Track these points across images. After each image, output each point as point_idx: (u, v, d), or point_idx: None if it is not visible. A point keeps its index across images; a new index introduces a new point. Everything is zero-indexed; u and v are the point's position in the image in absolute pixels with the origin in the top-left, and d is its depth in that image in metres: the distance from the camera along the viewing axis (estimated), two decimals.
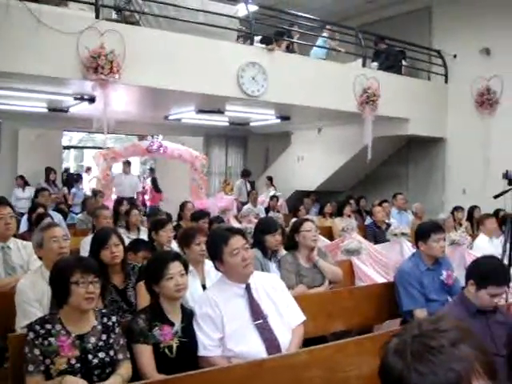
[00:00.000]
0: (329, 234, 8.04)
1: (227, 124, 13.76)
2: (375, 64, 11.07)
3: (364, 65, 10.49)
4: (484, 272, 3.19)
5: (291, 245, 4.66)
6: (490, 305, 3.11)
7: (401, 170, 12.54)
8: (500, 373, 1.47)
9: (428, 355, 1.30)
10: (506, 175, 4.52)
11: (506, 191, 4.58)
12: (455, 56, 11.61)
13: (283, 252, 4.75)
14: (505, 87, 10.83)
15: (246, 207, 10.52)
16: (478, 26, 10.98)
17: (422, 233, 4.33)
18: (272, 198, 11.17)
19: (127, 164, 11.55)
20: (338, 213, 8.85)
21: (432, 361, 1.29)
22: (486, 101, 11.08)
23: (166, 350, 2.95)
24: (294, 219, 6.79)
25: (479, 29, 10.98)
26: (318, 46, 10.86)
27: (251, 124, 13.72)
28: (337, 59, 10.86)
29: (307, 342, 3.39)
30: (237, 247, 3.09)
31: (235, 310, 3.06)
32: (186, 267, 3.21)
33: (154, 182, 13.84)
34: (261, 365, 2.80)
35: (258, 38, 9.28)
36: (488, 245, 6.44)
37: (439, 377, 1.28)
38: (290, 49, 10.29)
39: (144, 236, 5.68)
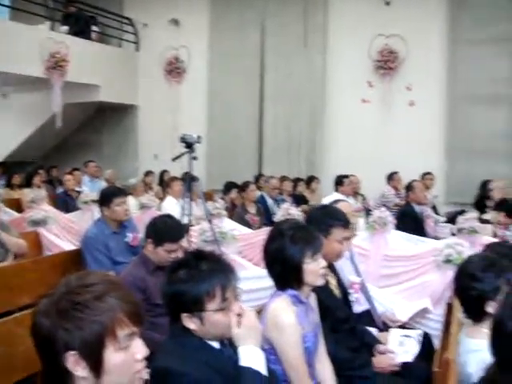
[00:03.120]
0: (17, 205, 7.61)
1: None
2: (65, 28, 10.64)
3: (52, 28, 10.05)
4: (159, 230, 3.36)
5: None
6: (167, 260, 3.27)
7: (94, 138, 12.38)
8: None
9: (73, 311, 1.30)
10: (182, 139, 4.78)
11: (183, 154, 4.86)
12: (146, 25, 11.84)
13: None
14: (191, 57, 11.44)
15: None
16: None
17: (105, 198, 4.36)
18: None
19: None
20: (28, 184, 8.42)
21: (77, 316, 1.30)
22: (175, 69, 11.58)
23: None
24: None
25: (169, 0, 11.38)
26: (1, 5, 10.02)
27: None
28: (22, 20, 10.15)
29: None
30: None
31: None
32: None
33: None
34: None
35: None
36: (175, 206, 6.75)
37: (84, 331, 1.29)
38: None
39: None
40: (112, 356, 1.37)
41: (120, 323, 1.37)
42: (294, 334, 2.32)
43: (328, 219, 2.95)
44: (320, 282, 2.44)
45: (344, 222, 3.00)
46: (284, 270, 2.37)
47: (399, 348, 3.04)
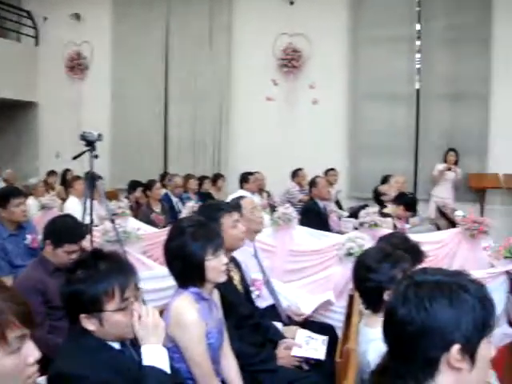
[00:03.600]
0: None
1: None
2: None
3: None
4: (58, 231, 3.25)
5: None
6: (67, 262, 3.17)
7: None
8: None
9: None
10: (82, 137, 4.63)
11: (83, 152, 4.71)
12: (46, 18, 11.41)
13: None
14: (94, 53, 11.15)
15: None
16: None
17: (1, 198, 4.16)
18: None
19: None
20: None
21: None
22: (77, 66, 11.25)
23: None
24: None
25: None
26: None
27: None
28: None
29: None
30: None
31: None
32: None
33: None
34: None
35: None
36: (78, 206, 6.55)
37: None
38: None
39: None
40: (2, 361, 1.31)
41: (9, 325, 1.31)
42: (197, 331, 2.31)
43: (215, 212, 2.99)
44: (222, 279, 2.44)
45: (227, 208, 3.08)
46: (185, 268, 2.36)
47: (306, 346, 3.09)
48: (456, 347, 1.22)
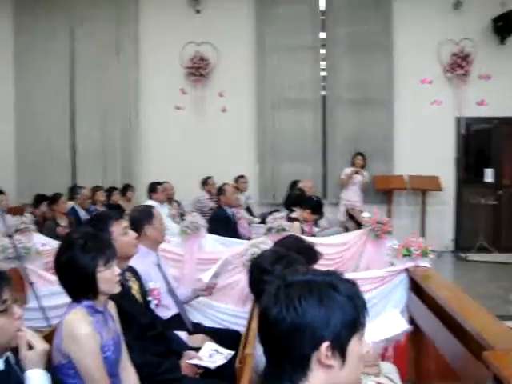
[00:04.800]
0: None
1: None
2: None
3: None
4: None
5: None
6: None
7: None
8: None
9: None
10: None
11: None
12: None
13: None
14: None
15: None
16: None
17: None
18: None
19: None
20: None
21: None
22: None
23: None
24: None
25: None
26: None
27: None
28: None
29: None
30: None
31: None
32: None
33: None
34: None
35: None
36: None
37: None
38: None
39: None
40: None
41: None
42: (92, 345, 2.25)
43: (103, 221, 2.96)
44: (116, 290, 2.39)
45: (115, 216, 3.06)
46: (77, 281, 2.29)
47: (208, 358, 3.07)
48: (325, 345, 1.24)
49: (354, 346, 1.28)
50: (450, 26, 9.77)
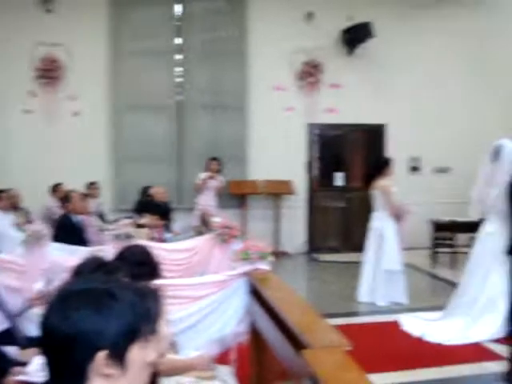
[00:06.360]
0: None
1: None
2: None
3: None
4: None
5: None
6: None
7: None
8: None
9: None
10: None
11: None
12: None
13: None
14: None
15: None
16: None
17: None
18: None
19: None
20: None
21: None
22: None
23: None
24: None
25: None
26: None
27: None
28: None
29: None
30: None
31: None
32: None
33: None
34: None
35: None
36: None
37: None
38: None
39: None
40: None
41: None
42: None
43: None
44: None
45: None
46: None
47: (37, 373, 2.92)
48: (102, 354, 1.21)
49: (135, 355, 1.26)
50: (303, 36, 10.15)
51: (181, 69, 10.02)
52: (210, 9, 9.98)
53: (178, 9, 9.98)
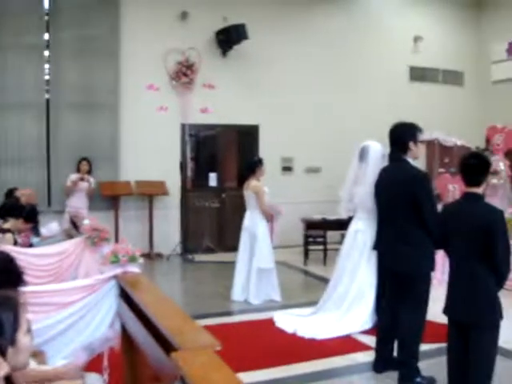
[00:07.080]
0: None
1: None
2: None
3: None
4: None
5: None
6: None
7: None
8: None
9: None
10: None
11: None
12: None
13: None
14: None
15: None
16: None
17: None
18: None
19: None
20: None
21: None
22: None
23: None
24: None
25: None
26: None
27: None
28: None
29: None
30: None
31: None
32: None
33: None
34: None
35: None
36: None
37: None
38: None
39: None
40: None
41: None
42: None
43: None
44: None
45: None
46: None
47: None
48: None
49: None
50: (177, 35, 10.11)
51: (48, 65, 9.55)
52: (81, 5, 9.59)
53: (46, 3, 9.49)
